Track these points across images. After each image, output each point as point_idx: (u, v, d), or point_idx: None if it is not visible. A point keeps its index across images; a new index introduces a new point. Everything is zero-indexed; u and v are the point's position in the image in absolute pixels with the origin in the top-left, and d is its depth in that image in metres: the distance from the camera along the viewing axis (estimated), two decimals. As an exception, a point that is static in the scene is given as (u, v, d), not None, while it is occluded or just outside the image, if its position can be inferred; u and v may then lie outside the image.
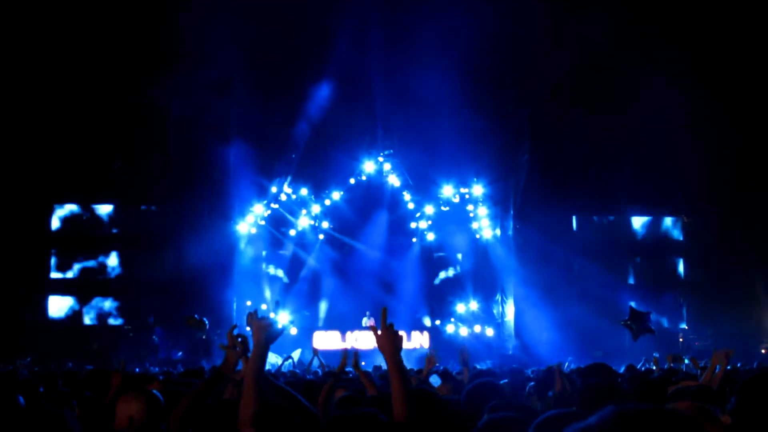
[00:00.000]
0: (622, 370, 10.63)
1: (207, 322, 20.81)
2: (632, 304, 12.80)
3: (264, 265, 27.65)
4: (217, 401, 4.79)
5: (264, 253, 27.70)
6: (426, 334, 25.86)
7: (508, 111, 25.30)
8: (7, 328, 23.72)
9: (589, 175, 26.46)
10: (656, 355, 14.79)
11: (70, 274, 26.72)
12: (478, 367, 13.91)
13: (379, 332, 3.88)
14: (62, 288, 26.65)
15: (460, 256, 28.80)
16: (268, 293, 27.19)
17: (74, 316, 26.55)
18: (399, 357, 3.84)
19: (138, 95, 24.34)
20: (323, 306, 27.72)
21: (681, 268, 28.01)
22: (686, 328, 27.27)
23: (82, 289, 26.68)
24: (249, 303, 26.37)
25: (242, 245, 26.87)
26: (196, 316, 20.58)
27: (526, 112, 25.00)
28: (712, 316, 26.08)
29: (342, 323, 26.44)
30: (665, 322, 26.97)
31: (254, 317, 3.68)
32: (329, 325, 26.83)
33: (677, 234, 28.04)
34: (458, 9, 22.50)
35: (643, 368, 11.79)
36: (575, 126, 25.96)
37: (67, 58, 23.67)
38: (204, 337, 23.60)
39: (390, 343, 3.83)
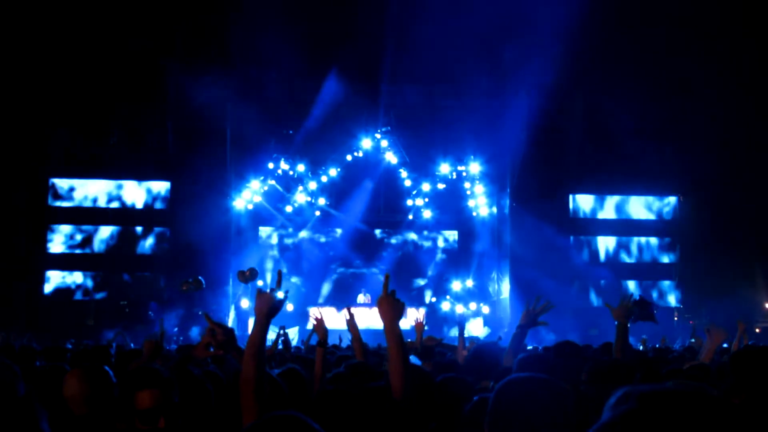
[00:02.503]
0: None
1: (203, 280, 20.72)
2: (639, 294, 12.80)
3: (261, 240, 27.68)
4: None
5: (261, 229, 27.70)
6: (422, 310, 25.91)
7: (506, 89, 25.19)
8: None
9: (586, 154, 26.41)
10: (645, 336, 14.82)
11: (65, 249, 26.62)
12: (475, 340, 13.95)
13: (380, 298, 3.78)
14: (58, 263, 26.59)
15: (456, 233, 28.83)
16: (269, 264, 27.29)
17: (69, 292, 26.51)
18: (397, 326, 3.73)
19: (134, 71, 24.25)
20: (318, 282, 27.76)
21: (677, 247, 28.03)
22: (681, 307, 27.36)
23: (77, 265, 26.63)
24: (240, 279, 26.42)
25: (239, 221, 26.87)
26: (190, 279, 20.51)
27: (524, 90, 24.89)
28: (708, 296, 26.14)
29: (337, 299, 26.51)
30: (660, 302, 27.03)
31: (260, 291, 3.59)
32: (325, 301, 26.90)
33: (674, 214, 28.03)
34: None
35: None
36: (573, 105, 25.88)
37: (65, 30, 23.49)
38: (201, 312, 23.60)
39: (390, 309, 3.74)
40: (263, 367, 3.48)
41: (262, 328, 3.59)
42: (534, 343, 15.29)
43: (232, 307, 25.74)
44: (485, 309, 26.52)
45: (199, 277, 20.47)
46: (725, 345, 10.38)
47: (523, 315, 5.68)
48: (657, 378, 5.06)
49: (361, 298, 25.91)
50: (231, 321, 24.81)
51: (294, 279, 27.02)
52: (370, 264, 28.24)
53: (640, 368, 4.98)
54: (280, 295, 3.54)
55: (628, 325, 5.59)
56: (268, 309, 3.54)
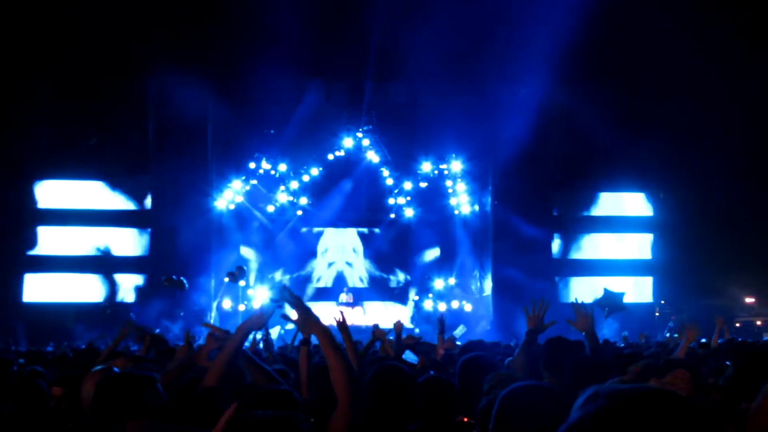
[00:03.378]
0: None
1: (186, 282, 20.75)
2: (606, 288, 12.91)
3: (243, 240, 27.62)
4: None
5: (242, 228, 27.64)
6: (405, 308, 25.97)
7: (486, 87, 25.24)
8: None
9: (566, 151, 26.47)
10: (625, 333, 14.96)
11: (46, 252, 26.42)
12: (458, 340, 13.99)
13: (296, 315, 3.65)
14: (39, 266, 26.38)
15: (438, 232, 28.88)
16: (254, 263, 27.32)
17: (51, 295, 26.28)
18: (323, 330, 3.55)
19: (115, 71, 24.12)
20: (302, 282, 27.75)
21: (656, 243, 28.18)
22: (663, 302, 27.50)
23: (58, 267, 26.44)
24: (227, 279, 26.38)
25: (221, 220, 26.81)
26: (174, 276, 20.55)
27: (505, 88, 24.94)
28: (688, 291, 26.31)
29: (319, 298, 26.56)
30: (641, 298, 27.17)
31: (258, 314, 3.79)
32: (307, 299, 26.89)
33: (654, 209, 28.17)
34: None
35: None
36: (554, 103, 25.93)
37: (42, 31, 23.33)
38: (182, 313, 23.60)
39: (310, 323, 3.61)
40: (223, 377, 3.59)
41: (238, 343, 3.75)
42: (513, 339, 15.37)
43: (214, 307, 25.69)
44: (468, 307, 26.60)
45: (183, 279, 20.48)
46: (704, 339, 10.52)
47: (529, 320, 5.77)
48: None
49: (342, 297, 25.97)
50: (213, 321, 24.76)
51: (284, 277, 27.01)
52: (351, 263, 28.28)
53: (615, 365, 5.06)
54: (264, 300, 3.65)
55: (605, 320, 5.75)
56: (250, 330, 3.67)
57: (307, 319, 3.63)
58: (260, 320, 3.76)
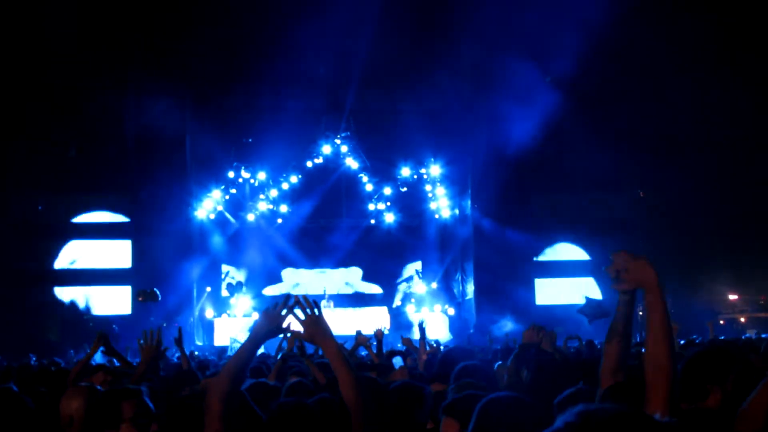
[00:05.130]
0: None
1: (158, 293, 20.73)
2: (586, 296, 13.01)
3: (223, 251, 27.51)
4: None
5: (222, 238, 27.52)
6: (387, 314, 25.93)
7: (465, 91, 25.31)
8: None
9: (545, 154, 26.51)
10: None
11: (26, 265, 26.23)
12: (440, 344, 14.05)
13: (304, 320, 3.52)
14: (20, 280, 26.14)
15: (419, 236, 28.86)
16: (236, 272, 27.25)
17: (33, 307, 26.07)
18: (333, 342, 3.47)
19: (92, 84, 24.04)
20: (282, 289, 27.67)
21: (638, 244, 28.28)
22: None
23: (39, 281, 26.27)
24: (209, 289, 26.32)
25: (201, 230, 26.73)
26: (147, 289, 20.54)
27: (482, 93, 25.01)
28: (671, 291, 26.44)
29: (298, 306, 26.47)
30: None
31: (267, 311, 3.50)
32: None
33: (633, 210, 28.27)
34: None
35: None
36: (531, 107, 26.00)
37: (22, 44, 23.19)
38: (165, 324, 23.50)
39: (320, 330, 3.48)
40: (238, 385, 3.46)
41: (252, 347, 3.48)
42: (496, 343, 15.39)
43: (197, 315, 25.64)
44: (450, 311, 26.63)
45: (155, 290, 20.45)
46: (694, 337, 10.64)
47: (526, 335, 5.75)
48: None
49: (323, 303, 25.89)
50: (194, 330, 24.74)
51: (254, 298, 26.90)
52: (332, 269, 28.27)
53: (580, 369, 5.19)
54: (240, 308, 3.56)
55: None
56: (267, 330, 3.45)
57: (317, 328, 3.49)
58: (276, 320, 3.44)
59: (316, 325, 3.47)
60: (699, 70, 23.79)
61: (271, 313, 3.49)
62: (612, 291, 3.25)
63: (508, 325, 22.23)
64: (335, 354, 3.40)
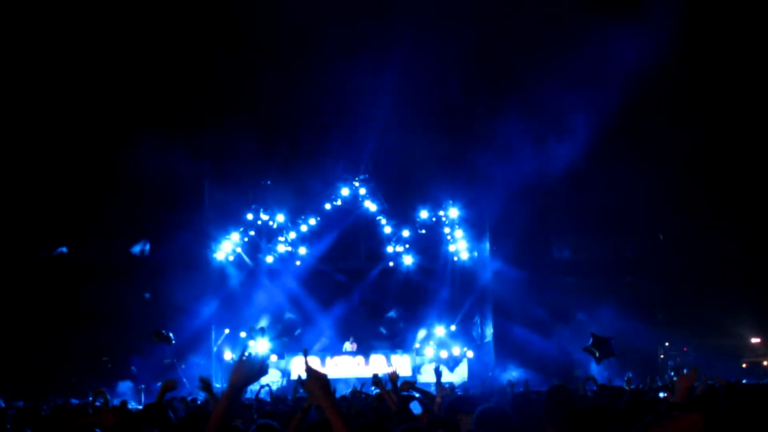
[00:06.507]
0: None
1: (173, 337, 20.74)
2: (593, 332, 12.92)
3: (242, 293, 27.49)
4: None
5: (241, 280, 27.52)
6: (406, 357, 25.77)
7: (481, 133, 25.38)
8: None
9: (562, 196, 26.48)
10: (629, 375, 14.86)
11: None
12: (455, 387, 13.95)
13: (306, 376, 3.45)
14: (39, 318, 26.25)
15: (437, 279, 28.76)
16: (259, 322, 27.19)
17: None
18: (332, 398, 3.44)
19: (108, 129, 24.37)
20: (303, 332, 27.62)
21: (659, 285, 28.05)
22: (668, 345, 27.31)
23: (57, 320, 26.36)
24: (227, 331, 26.28)
25: (220, 273, 26.77)
26: (163, 331, 20.57)
27: (500, 136, 25.06)
28: (692, 333, 26.19)
29: (326, 348, 26.42)
30: (644, 342, 26.98)
31: (241, 361, 3.46)
32: (310, 351, 26.65)
33: (652, 253, 28.09)
34: (431, 32, 22.70)
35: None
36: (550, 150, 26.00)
37: (38, 88, 23.56)
38: (170, 361, 23.62)
39: (320, 385, 3.43)
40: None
41: (230, 400, 3.46)
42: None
43: (214, 357, 25.61)
44: (470, 353, 26.43)
45: (170, 333, 20.48)
46: (711, 383, 10.47)
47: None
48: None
49: (347, 345, 25.80)
50: (213, 372, 24.68)
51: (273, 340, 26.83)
52: (353, 312, 28.16)
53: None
54: (260, 350, 3.50)
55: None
56: (244, 381, 3.44)
57: (316, 386, 3.46)
58: (251, 371, 3.44)
59: (314, 388, 3.44)
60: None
61: (245, 364, 3.48)
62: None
63: (513, 374, 22.23)
64: (333, 414, 3.39)
